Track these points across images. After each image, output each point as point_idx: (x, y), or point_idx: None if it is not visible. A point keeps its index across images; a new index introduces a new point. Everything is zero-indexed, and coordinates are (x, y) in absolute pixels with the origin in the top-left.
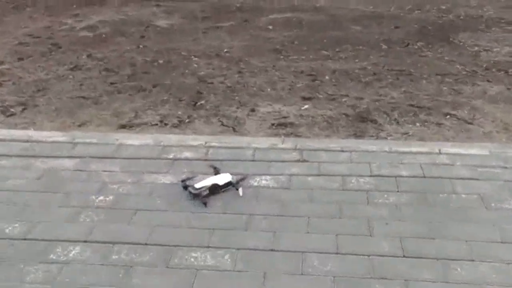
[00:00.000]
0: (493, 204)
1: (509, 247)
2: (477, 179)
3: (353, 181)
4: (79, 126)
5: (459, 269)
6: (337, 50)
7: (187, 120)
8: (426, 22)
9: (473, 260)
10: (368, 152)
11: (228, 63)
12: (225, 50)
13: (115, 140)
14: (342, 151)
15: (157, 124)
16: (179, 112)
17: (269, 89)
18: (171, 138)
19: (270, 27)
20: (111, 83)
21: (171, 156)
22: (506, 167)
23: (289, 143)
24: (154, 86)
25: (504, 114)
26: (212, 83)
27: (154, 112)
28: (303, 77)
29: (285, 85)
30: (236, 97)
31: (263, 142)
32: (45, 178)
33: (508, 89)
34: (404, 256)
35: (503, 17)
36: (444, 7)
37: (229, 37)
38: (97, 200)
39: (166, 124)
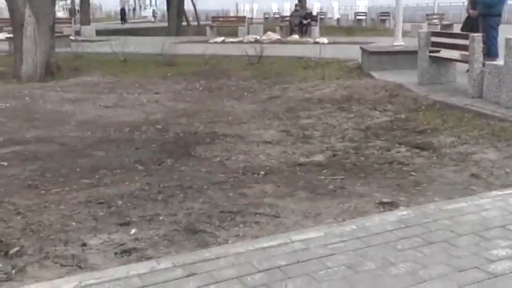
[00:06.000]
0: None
1: None
2: (339, 253)
3: None
4: None
5: None
6: (97, 176)
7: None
8: (158, 140)
9: None
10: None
11: None
12: None
13: None
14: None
15: None
16: None
17: (74, 223)
18: None
19: (5, 163)
20: None
21: None
22: (345, 240)
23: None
24: None
25: (296, 205)
26: None
27: None
28: (94, 206)
29: (86, 217)
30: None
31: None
32: None
33: (278, 186)
34: None
35: (214, 130)
36: (160, 127)
37: None
38: None
39: None
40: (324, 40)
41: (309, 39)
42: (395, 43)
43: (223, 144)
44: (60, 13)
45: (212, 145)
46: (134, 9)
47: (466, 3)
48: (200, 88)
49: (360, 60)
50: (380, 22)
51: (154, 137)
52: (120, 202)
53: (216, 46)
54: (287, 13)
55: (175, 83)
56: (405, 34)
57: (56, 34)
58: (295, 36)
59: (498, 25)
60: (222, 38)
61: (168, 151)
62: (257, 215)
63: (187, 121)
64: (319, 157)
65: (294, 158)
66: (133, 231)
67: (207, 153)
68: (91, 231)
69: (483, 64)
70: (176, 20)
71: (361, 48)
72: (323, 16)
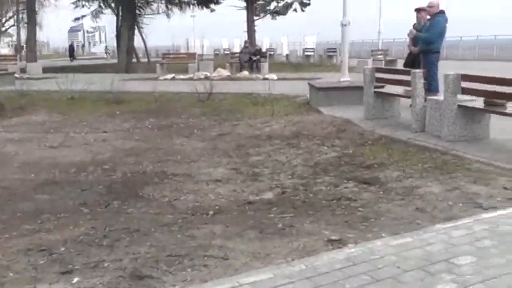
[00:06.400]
0: None
1: None
2: None
3: None
4: None
5: None
6: (40, 221)
7: None
8: (105, 181)
9: None
10: None
11: None
12: None
13: None
14: None
15: None
16: None
17: (11, 274)
18: None
19: None
20: None
21: None
22: (293, 282)
23: None
24: None
25: (245, 246)
26: None
27: None
28: (35, 254)
29: (25, 266)
30: None
31: None
32: None
33: (228, 226)
34: None
35: (163, 170)
36: (107, 167)
37: None
38: None
39: None
40: (273, 76)
41: (258, 75)
42: (341, 79)
43: (172, 183)
44: (5, 50)
45: (161, 185)
46: (83, 46)
47: (408, 40)
48: (149, 126)
49: (308, 96)
50: (327, 58)
51: (100, 178)
52: (62, 249)
53: (166, 83)
54: (237, 49)
55: (123, 121)
56: (351, 69)
57: None
58: (245, 73)
59: (437, 61)
60: (172, 75)
61: (115, 193)
62: (206, 258)
63: (136, 161)
64: (269, 195)
65: (243, 196)
66: (75, 279)
67: (156, 193)
68: (30, 282)
69: (425, 99)
70: (126, 57)
71: (309, 84)
72: (272, 52)
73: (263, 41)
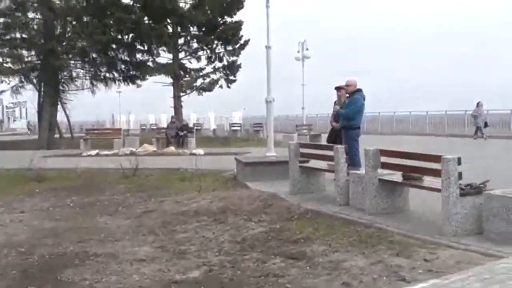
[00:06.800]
0: None
1: None
2: None
3: None
4: None
5: None
6: None
7: None
8: (21, 265)
9: None
10: None
11: None
12: None
13: None
14: None
15: None
16: None
17: None
18: None
19: None
20: None
21: None
22: None
23: None
24: None
25: None
26: None
27: None
28: None
29: None
30: None
31: None
32: None
33: None
34: None
35: (85, 250)
36: (23, 249)
37: None
38: None
39: None
40: (200, 151)
41: (185, 150)
42: (268, 154)
43: (94, 264)
44: None
45: (82, 267)
46: (2, 121)
47: (330, 115)
48: (71, 205)
49: (235, 170)
50: (254, 133)
51: (15, 261)
52: None
53: (90, 159)
54: (164, 124)
55: (43, 200)
56: (278, 144)
57: None
58: (172, 148)
59: (358, 136)
60: (96, 151)
61: (31, 278)
62: None
63: (55, 242)
64: (195, 273)
65: (169, 276)
66: None
67: (76, 276)
68: None
69: (348, 174)
70: (48, 132)
71: (236, 159)
72: (199, 127)
73: (190, 116)
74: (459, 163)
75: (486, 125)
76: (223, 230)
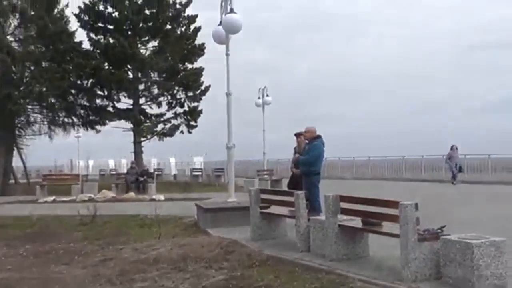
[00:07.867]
0: None
1: None
2: None
3: None
4: None
5: None
6: None
7: None
8: None
9: None
10: None
11: None
12: None
13: None
14: None
15: None
16: None
17: None
18: None
19: None
20: None
21: None
22: None
23: None
24: None
25: None
26: None
27: None
28: None
29: None
30: None
31: None
32: None
33: None
34: None
35: None
36: None
37: None
38: None
39: None
40: (161, 197)
41: (145, 196)
42: (229, 200)
43: None
44: None
45: None
46: None
47: (290, 161)
48: (24, 254)
49: (196, 216)
50: (215, 178)
51: None
52: None
53: (46, 206)
54: (124, 169)
55: None
56: (239, 189)
57: None
58: (132, 194)
59: (318, 182)
60: (53, 198)
61: None
62: None
63: None
64: None
65: None
66: None
67: None
68: None
69: (308, 220)
70: (3, 178)
71: (196, 204)
72: (160, 172)
73: (151, 161)
74: (417, 208)
75: (460, 169)
76: (183, 279)
